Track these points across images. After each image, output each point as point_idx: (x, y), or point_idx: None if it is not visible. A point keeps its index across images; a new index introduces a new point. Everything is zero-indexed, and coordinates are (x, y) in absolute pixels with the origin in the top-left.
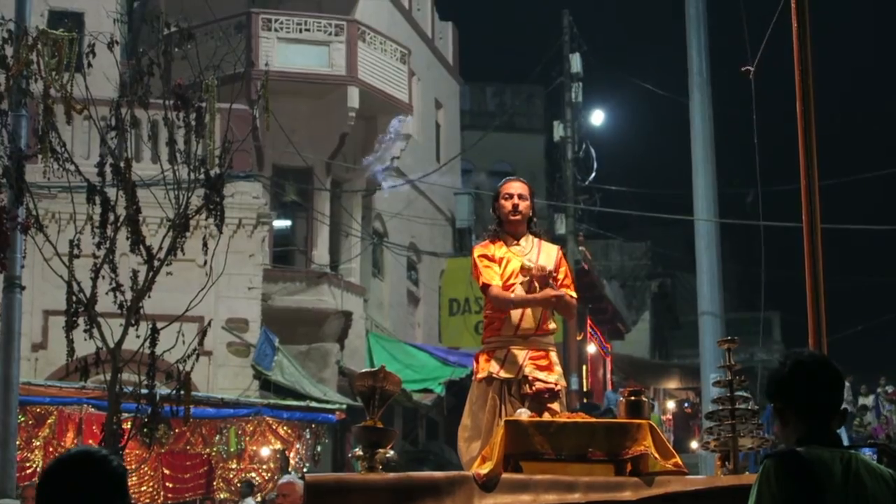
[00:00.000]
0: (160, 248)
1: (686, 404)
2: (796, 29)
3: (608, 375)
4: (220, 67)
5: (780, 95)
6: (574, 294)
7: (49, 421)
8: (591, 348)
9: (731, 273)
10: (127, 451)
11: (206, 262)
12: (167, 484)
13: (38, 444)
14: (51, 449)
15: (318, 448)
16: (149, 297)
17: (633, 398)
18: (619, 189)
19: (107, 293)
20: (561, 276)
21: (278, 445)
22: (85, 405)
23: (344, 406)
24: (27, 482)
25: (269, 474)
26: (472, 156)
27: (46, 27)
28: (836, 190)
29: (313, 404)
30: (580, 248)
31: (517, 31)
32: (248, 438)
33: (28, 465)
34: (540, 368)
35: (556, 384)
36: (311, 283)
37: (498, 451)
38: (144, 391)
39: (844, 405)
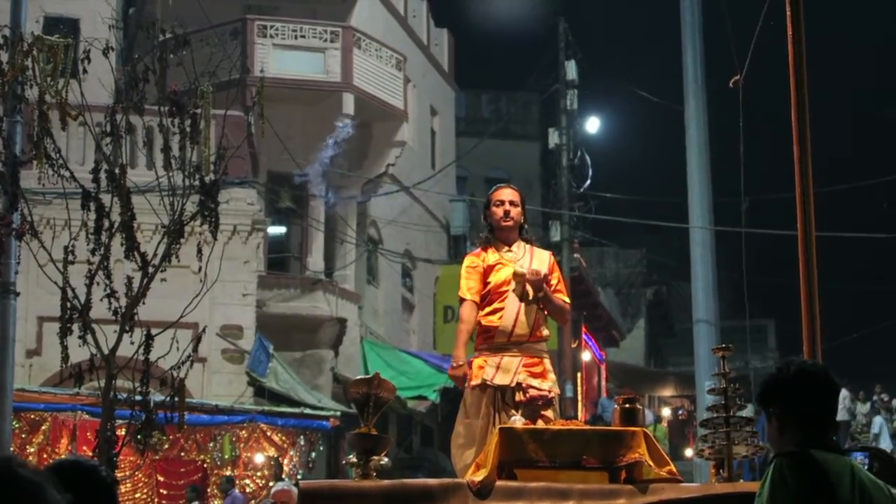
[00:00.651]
0: (155, 255)
1: (680, 411)
2: (791, 36)
3: (603, 383)
4: (216, 74)
5: (776, 103)
6: (567, 300)
7: (43, 427)
8: (586, 356)
9: (725, 281)
10: (121, 457)
11: (200, 269)
12: (161, 490)
13: (32, 450)
14: (45, 455)
15: (313, 455)
16: (143, 303)
17: (627, 406)
18: (614, 196)
19: (101, 299)
20: (554, 282)
21: (272, 452)
22: (79, 412)
23: (338, 413)
24: None
25: (263, 481)
26: (467, 163)
27: (42, 33)
28: (832, 198)
29: (308, 411)
30: (575, 255)
31: (513, 39)
32: (242, 445)
33: None
34: (534, 375)
35: (549, 391)
36: (305, 289)
37: (492, 458)
38: (139, 398)
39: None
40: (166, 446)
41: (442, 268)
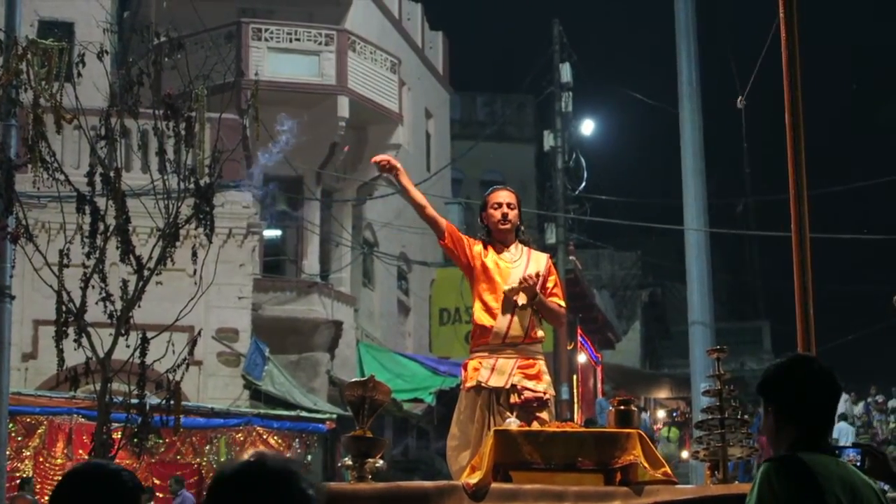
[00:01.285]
0: (150, 258)
1: (675, 413)
2: (785, 39)
3: (599, 385)
4: (210, 77)
5: (771, 105)
6: (562, 303)
7: (39, 431)
8: (582, 358)
9: (720, 283)
10: (117, 460)
11: (195, 272)
12: (157, 494)
13: (28, 454)
14: (41, 459)
15: (309, 458)
16: (138, 306)
17: (622, 408)
18: (609, 199)
19: (96, 303)
20: (550, 285)
21: None
22: (75, 415)
23: (334, 416)
24: (16, 493)
25: None
26: (462, 165)
27: (36, 37)
28: (827, 199)
29: (303, 414)
30: (571, 257)
31: (507, 41)
32: (238, 448)
33: (18, 475)
34: (528, 377)
35: (544, 393)
36: (301, 292)
37: (487, 460)
38: (134, 401)
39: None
40: (162, 449)
41: (437, 270)
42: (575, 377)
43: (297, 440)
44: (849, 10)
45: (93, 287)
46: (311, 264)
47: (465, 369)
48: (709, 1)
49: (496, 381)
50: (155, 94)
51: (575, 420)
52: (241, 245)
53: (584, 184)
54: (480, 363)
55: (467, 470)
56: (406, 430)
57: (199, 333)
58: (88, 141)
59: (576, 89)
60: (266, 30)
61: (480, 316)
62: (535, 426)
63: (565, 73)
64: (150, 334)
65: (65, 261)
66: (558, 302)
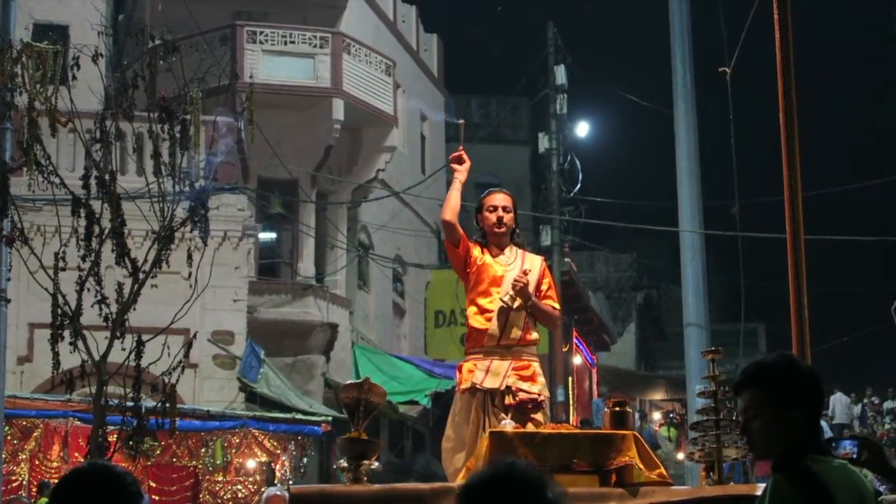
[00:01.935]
0: (145, 261)
1: (671, 415)
2: (779, 40)
3: (594, 387)
4: (205, 80)
5: (765, 108)
6: (557, 306)
7: (35, 434)
8: (577, 360)
9: (716, 285)
10: (113, 463)
11: (191, 275)
12: (153, 497)
13: (23, 457)
14: (37, 462)
15: (304, 460)
16: (134, 309)
17: (617, 409)
18: (604, 200)
19: (92, 306)
20: (544, 288)
21: (264, 458)
22: (71, 418)
23: (330, 418)
24: (13, 495)
25: (255, 486)
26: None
27: (31, 40)
28: (821, 201)
29: (299, 416)
30: (566, 259)
31: (502, 43)
32: (234, 451)
33: (14, 478)
34: (523, 379)
35: (539, 394)
36: (296, 295)
37: (483, 462)
38: (130, 404)
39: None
40: (158, 452)
41: (433, 272)
42: (570, 379)
43: (292, 443)
44: (842, 7)
45: (88, 290)
46: (307, 267)
47: (460, 371)
48: (703, 3)
49: (491, 383)
50: (150, 96)
51: (570, 422)
52: (237, 248)
53: (578, 186)
54: (475, 365)
55: (462, 471)
56: (401, 433)
57: (195, 336)
58: (83, 144)
59: (570, 91)
60: (261, 32)
61: (475, 319)
62: (530, 427)
63: (560, 75)
64: (145, 337)
65: (60, 264)
66: (552, 304)
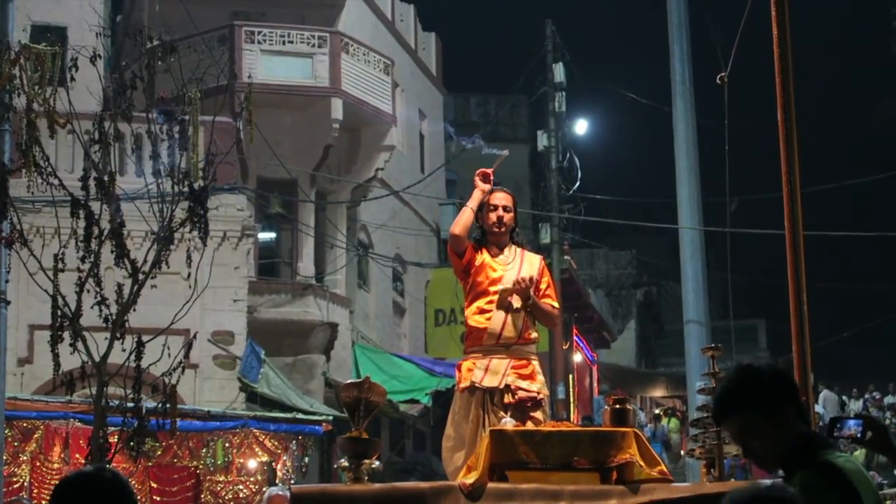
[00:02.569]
0: (145, 262)
1: (671, 412)
2: (776, 36)
3: (595, 384)
4: (204, 80)
5: (763, 104)
6: (556, 304)
7: (36, 436)
8: (578, 357)
9: (716, 281)
10: (114, 464)
11: (190, 275)
12: (154, 497)
13: (24, 458)
14: (38, 464)
15: (306, 460)
16: (134, 310)
17: (617, 406)
18: (603, 198)
19: (92, 307)
20: (543, 287)
21: (265, 458)
22: (71, 419)
23: (330, 418)
24: (14, 497)
25: (256, 486)
26: (456, 166)
27: (29, 41)
28: (820, 196)
29: (300, 416)
30: (566, 257)
31: (500, 42)
32: (234, 451)
33: (15, 479)
34: (522, 377)
35: (538, 393)
36: (296, 294)
37: (483, 460)
38: (130, 405)
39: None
40: (159, 453)
41: (432, 271)
42: (571, 377)
43: (293, 442)
44: (841, 4)
45: (88, 291)
46: (306, 266)
47: (460, 370)
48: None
49: (490, 382)
50: (148, 97)
51: (571, 419)
52: (236, 248)
53: (578, 183)
54: (474, 364)
55: (463, 470)
56: (402, 432)
57: (195, 336)
58: (82, 145)
59: (569, 89)
60: (259, 32)
61: (474, 318)
62: (530, 426)
63: (558, 73)
64: (145, 338)
65: (60, 265)
66: (552, 303)
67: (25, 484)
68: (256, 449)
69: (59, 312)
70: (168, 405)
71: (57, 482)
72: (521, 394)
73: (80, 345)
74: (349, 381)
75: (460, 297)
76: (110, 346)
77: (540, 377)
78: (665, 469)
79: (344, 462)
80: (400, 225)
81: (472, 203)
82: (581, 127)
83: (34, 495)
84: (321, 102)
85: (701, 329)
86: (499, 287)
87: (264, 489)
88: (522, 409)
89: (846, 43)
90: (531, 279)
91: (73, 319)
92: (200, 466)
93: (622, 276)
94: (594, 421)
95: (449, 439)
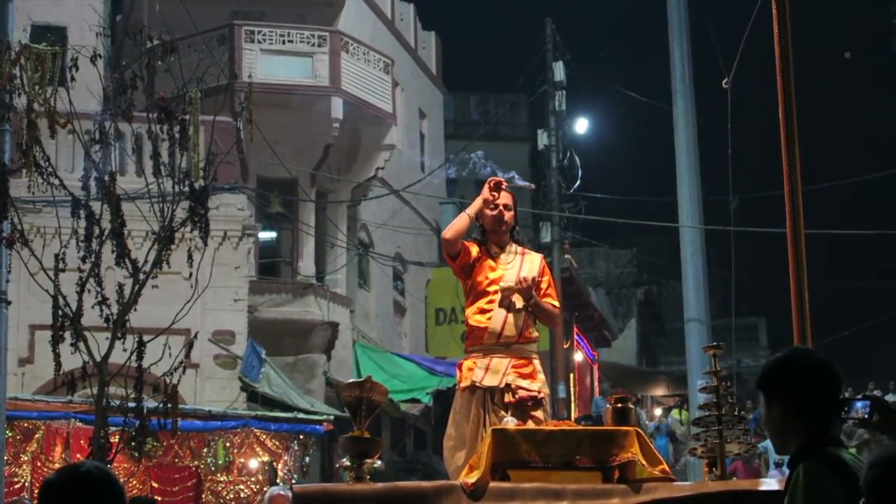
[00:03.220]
0: (145, 262)
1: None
2: (777, 33)
3: (595, 383)
4: (204, 80)
5: (764, 101)
6: (556, 303)
7: (37, 436)
8: (578, 356)
9: (716, 280)
10: (115, 464)
11: (191, 275)
12: (156, 497)
13: (25, 458)
14: (38, 464)
15: (307, 459)
16: (135, 310)
17: (619, 405)
18: (604, 197)
19: (93, 307)
20: (544, 286)
21: (266, 457)
22: (72, 419)
23: (331, 417)
24: (15, 497)
25: (257, 486)
26: (456, 165)
27: (29, 41)
28: (821, 194)
29: (301, 416)
30: (566, 256)
31: (500, 41)
32: (236, 451)
33: (16, 479)
34: (523, 376)
35: (539, 392)
36: (297, 294)
37: (485, 459)
38: (132, 405)
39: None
40: (160, 453)
41: (433, 270)
42: (572, 375)
43: (294, 442)
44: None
45: (89, 291)
46: (307, 266)
47: (460, 369)
48: None
49: (490, 381)
50: (148, 97)
51: (572, 418)
52: (237, 247)
53: (578, 182)
54: (475, 363)
55: (465, 469)
56: (403, 431)
57: (196, 336)
58: (83, 145)
59: (569, 88)
60: (259, 32)
61: (475, 317)
62: (531, 425)
63: (558, 71)
64: (146, 338)
65: (60, 265)
66: (552, 302)
67: (26, 484)
68: (257, 449)
69: (60, 312)
70: (169, 405)
71: (42, 481)
72: (521, 393)
73: (81, 345)
74: (351, 381)
75: (461, 296)
76: (111, 346)
77: (540, 376)
78: (667, 467)
79: (346, 461)
80: (400, 224)
81: (471, 210)
82: (581, 126)
83: (35, 496)
84: (321, 102)
85: (701, 327)
86: (499, 286)
87: (265, 489)
88: (523, 408)
89: (846, 40)
90: (533, 279)
91: (74, 319)
92: (202, 466)
93: (623, 275)
94: (592, 420)
95: (450, 439)
